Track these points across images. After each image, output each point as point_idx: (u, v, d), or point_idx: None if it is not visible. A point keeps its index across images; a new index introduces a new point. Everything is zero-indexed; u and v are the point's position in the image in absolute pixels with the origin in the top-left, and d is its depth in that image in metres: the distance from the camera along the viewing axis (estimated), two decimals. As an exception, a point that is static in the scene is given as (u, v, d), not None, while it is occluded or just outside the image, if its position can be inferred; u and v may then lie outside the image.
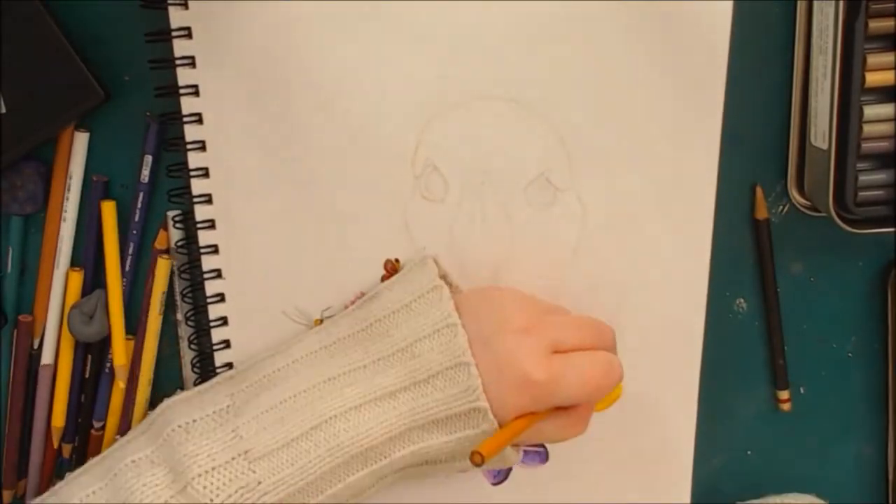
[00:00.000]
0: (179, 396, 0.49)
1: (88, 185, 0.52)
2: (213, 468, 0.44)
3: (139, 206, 0.52)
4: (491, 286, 0.51)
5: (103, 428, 0.54)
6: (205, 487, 0.43)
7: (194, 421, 0.45)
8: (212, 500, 0.43)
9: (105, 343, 0.53)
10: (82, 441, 0.54)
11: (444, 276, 0.50)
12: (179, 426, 0.45)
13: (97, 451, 0.54)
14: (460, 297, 0.48)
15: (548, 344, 0.46)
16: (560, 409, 0.48)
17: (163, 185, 0.51)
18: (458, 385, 0.45)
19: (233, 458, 0.44)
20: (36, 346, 0.53)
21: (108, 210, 0.52)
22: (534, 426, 0.47)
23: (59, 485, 0.47)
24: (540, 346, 0.46)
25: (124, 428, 0.54)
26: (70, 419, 0.54)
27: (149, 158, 0.51)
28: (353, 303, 0.51)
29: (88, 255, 0.52)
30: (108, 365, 0.53)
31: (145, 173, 0.51)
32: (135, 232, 0.52)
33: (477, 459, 0.43)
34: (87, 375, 0.54)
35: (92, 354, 0.54)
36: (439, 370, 0.46)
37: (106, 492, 0.44)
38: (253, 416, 0.45)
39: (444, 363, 0.46)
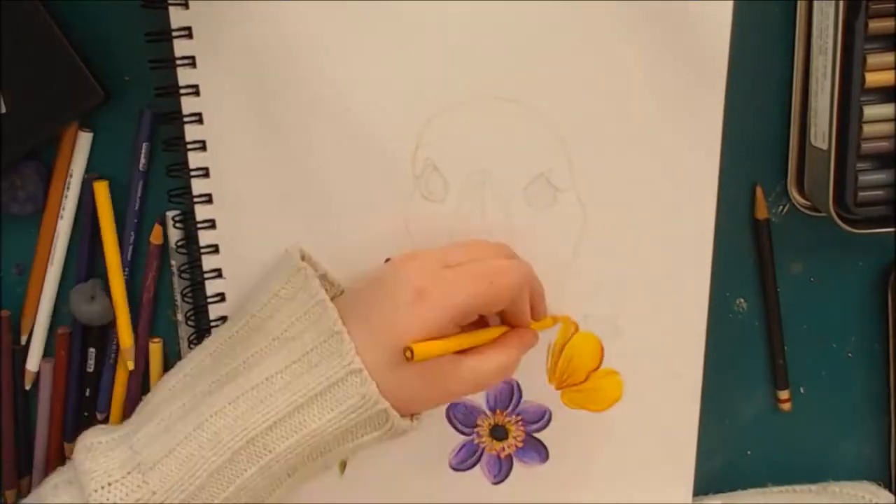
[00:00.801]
0: (98, 426, 0.49)
1: (88, 185, 0.52)
2: (110, 483, 0.44)
3: (138, 193, 0.51)
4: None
5: (107, 420, 0.54)
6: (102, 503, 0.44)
7: (99, 442, 0.46)
8: None
9: (104, 335, 0.54)
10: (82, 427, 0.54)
11: (305, 260, 0.49)
12: (83, 446, 0.46)
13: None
14: (353, 286, 0.48)
15: (437, 262, 0.46)
16: (481, 340, 0.47)
17: (160, 174, 0.51)
18: (331, 355, 0.44)
19: (128, 473, 0.44)
20: (24, 342, 0.53)
21: (101, 190, 0.51)
22: (466, 367, 0.46)
23: None
24: (428, 264, 0.45)
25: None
26: (70, 416, 0.54)
27: (145, 146, 0.51)
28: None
29: (83, 250, 0.52)
30: (112, 356, 0.53)
31: (143, 161, 0.51)
32: (135, 220, 0.52)
33: (407, 354, 0.42)
34: (87, 370, 0.54)
35: (90, 346, 0.54)
36: (313, 346, 0.45)
37: None
38: (146, 431, 0.46)
39: (316, 339, 0.45)
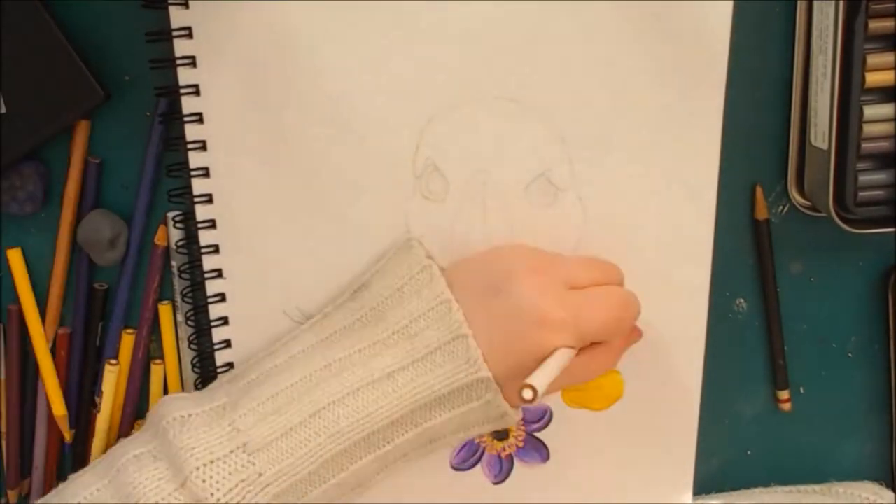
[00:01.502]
0: (176, 394, 0.49)
1: (92, 170, 0.52)
2: (212, 461, 0.43)
3: (150, 178, 0.51)
4: (488, 249, 0.50)
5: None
6: (204, 481, 0.43)
7: (190, 416, 0.45)
8: (212, 493, 0.43)
9: (104, 331, 0.54)
10: (84, 423, 0.55)
11: (429, 257, 0.49)
12: (174, 419, 0.45)
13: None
14: (454, 271, 0.48)
15: (561, 282, 0.46)
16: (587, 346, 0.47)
17: (163, 185, 0.51)
18: (457, 358, 0.45)
19: (231, 452, 0.43)
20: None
21: (16, 258, 0.52)
22: (576, 370, 0.46)
23: (62, 485, 0.46)
24: (553, 283, 0.45)
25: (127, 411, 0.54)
26: (71, 403, 0.54)
27: (152, 157, 0.51)
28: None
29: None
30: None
31: (149, 170, 0.51)
32: (144, 205, 0.52)
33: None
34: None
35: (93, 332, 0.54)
36: (437, 346, 0.45)
37: (109, 489, 0.44)
38: (249, 408, 0.45)
39: (441, 339, 0.45)
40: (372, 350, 0.46)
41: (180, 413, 0.45)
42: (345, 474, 0.45)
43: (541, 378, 0.42)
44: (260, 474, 0.43)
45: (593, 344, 0.47)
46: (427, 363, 0.45)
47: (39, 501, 0.46)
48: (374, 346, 0.46)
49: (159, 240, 0.52)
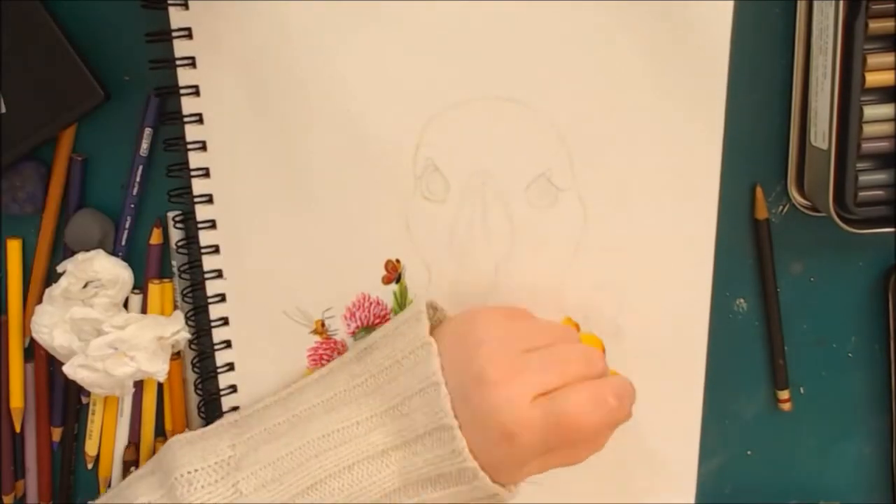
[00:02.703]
0: (184, 436, 0.50)
1: (76, 168, 0.51)
2: None
3: (137, 179, 0.51)
4: (468, 316, 0.49)
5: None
6: None
7: (196, 471, 0.47)
8: None
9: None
10: (70, 422, 0.55)
11: (434, 308, 0.50)
12: (182, 475, 0.47)
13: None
14: (445, 340, 0.48)
15: (529, 390, 0.45)
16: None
17: (160, 174, 0.51)
18: (443, 447, 0.45)
19: None
20: (27, 345, 0.53)
21: (14, 249, 0.52)
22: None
23: None
24: (520, 395, 0.45)
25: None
26: (56, 400, 0.54)
27: (148, 131, 0.51)
28: (351, 333, 0.52)
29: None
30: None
31: (144, 146, 0.51)
32: (132, 206, 0.51)
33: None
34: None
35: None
36: (425, 431, 0.46)
37: None
38: (252, 471, 0.47)
39: (429, 424, 0.46)
40: (368, 424, 0.47)
41: (188, 469, 0.47)
42: None
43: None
44: None
45: None
46: (416, 446, 0.46)
47: None
48: (370, 419, 0.47)
49: (154, 239, 0.52)
